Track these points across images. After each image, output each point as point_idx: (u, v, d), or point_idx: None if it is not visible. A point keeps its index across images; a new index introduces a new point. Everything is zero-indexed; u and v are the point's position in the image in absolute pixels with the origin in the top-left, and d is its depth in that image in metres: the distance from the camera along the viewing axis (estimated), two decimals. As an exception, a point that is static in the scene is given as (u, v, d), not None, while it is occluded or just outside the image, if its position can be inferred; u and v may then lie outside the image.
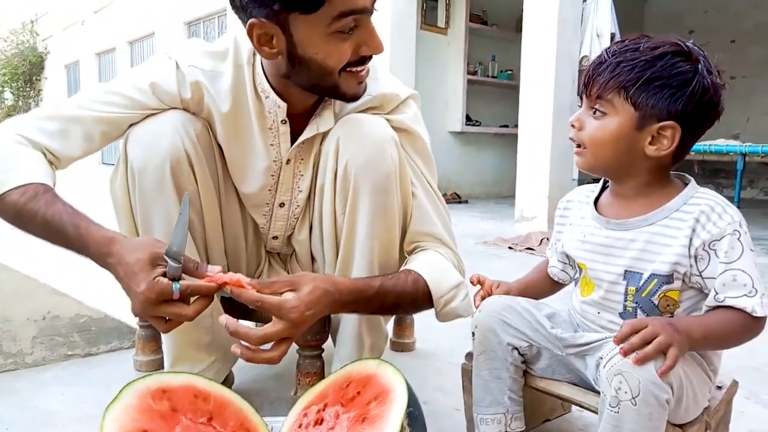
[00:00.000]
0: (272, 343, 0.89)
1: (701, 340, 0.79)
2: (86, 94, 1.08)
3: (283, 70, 1.01)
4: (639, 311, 0.88)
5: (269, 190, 1.16)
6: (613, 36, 4.37)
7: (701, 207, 0.84)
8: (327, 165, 1.09)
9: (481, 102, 6.57)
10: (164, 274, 0.84)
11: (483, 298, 1.03)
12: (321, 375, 1.15)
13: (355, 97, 1.05)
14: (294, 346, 1.07)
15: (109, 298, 1.36)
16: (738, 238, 0.81)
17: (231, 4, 0.97)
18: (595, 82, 0.87)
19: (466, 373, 1.04)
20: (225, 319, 0.86)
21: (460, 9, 6.03)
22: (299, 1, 0.89)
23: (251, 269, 1.27)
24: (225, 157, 1.14)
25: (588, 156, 0.91)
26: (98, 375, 1.41)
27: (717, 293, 0.81)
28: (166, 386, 0.83)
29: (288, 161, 1.13)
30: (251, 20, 0.93)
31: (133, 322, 1.51)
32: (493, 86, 6.63)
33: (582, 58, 4.20)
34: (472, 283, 1.08)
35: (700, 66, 0.83)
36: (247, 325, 0.91)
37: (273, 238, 1.24)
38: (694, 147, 0.93)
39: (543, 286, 1.10)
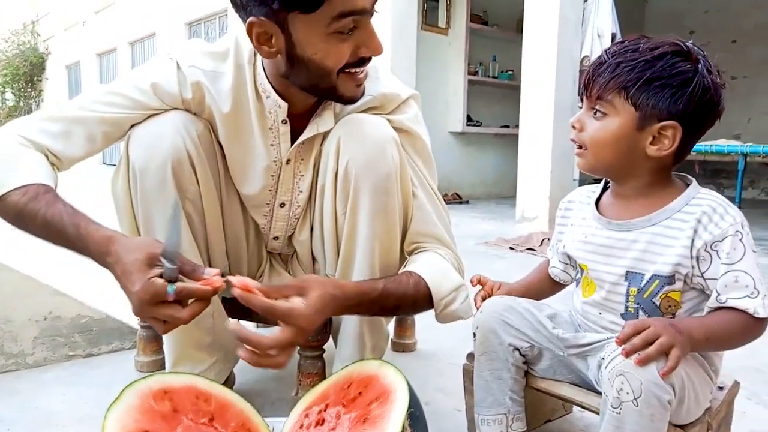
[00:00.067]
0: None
1: (703, 341, 0.79)
2: (88, 95, 1.08)
3: (283, 70, 1.01)
4: (641, 312, 0.88)
5: (269, 190, 1.16)
6: (614, 36, 4.36)
7: (703, 208, 0.84)
8: (328, 165, 1.09)
9: (482, 102, 6.57)
10: (161, 276, 0.83)
11: (484, 299, 1.03)
12: (322, 375, 1.15)
13: (352, 100, 1.05)
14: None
15: (110, 298, 1.36)
16: (740, 239, 0.81)
17: (231, 3, 0.97)
18: (595, 82, 0.87)
19: (468, 374, 1.04)
20: (234, 325, 0.85)
21: (460, 9, 6.03)
22: (298, 1, 0.89)
23: (252, 270, 1.27)
24: (226, 158, 1.14)
25: (589, 157, 0.91)
26: (99, 375, 1.41)
27: (719, 294, 0.81)
28: (167, 387, 0.83)
29: (288, 161, 1.13)
30: (250, 19, 0.94)
31: (135, 322, 1.52)
32: (494, 86, 6.63)
33: (583, 58, 4.20)
34: (472, 283, 1.08)
35: (700, 66, 0.83)
36: (246, 325, 0.90)
37: (274, 238, 1.25)
38: (695, 147, 0.93)
39: (544, 287, 1.10)
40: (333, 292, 0.92)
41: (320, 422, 0.85)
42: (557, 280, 1.07)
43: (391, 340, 1.60)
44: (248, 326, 1.57)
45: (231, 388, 1.19)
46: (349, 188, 1.05)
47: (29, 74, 16.08)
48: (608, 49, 0.90)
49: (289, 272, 1.30)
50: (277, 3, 0.90)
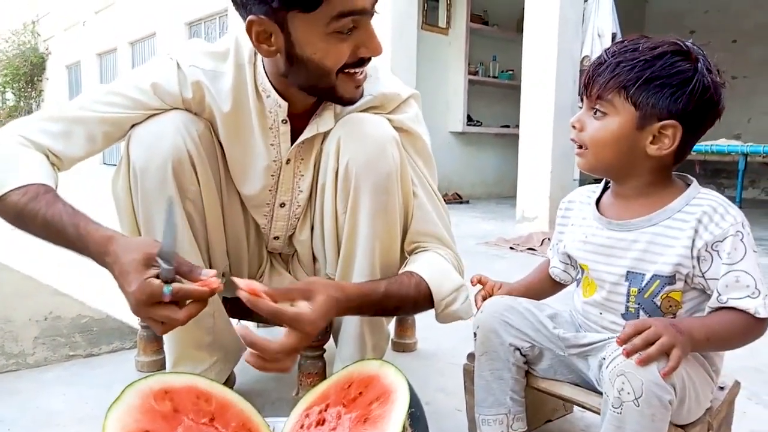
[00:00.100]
0: None
1: (704, 342, 0.79)
2: (88, 95, 1.08)
3: (282, 69, 1.01)
4: (641, 312, 0.88)
5: (270, 190, 1.16)
6: (614, 36, 4.36)
7: (703, 208, 0.84)
8: (328, 164, 1.09)
9: (482, 102, 6.57)
10: (158, 276, 0.82)
11: (484, 299, 1.03)
12: (323, 375, 1.15)
13: (351, 101, 1.05)
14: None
15: (110, 298, 1.36)
16: (741, 239, 0.81)
17: (232, 1, 0.97)
18: (595, 82, 0.87)
19: (468, 374, 1.04)
20: (242, 330, 0.84)
21: (461, 9, 6.03)
22: (298, 0, 0.89)
23: (253, 270, 1.27)
24: (226, 158, 1.14)
25: (589, 157, 0.90)
26: (100, 375, 1.41)
27: (720, 294, 0.81)
28: (168, 387, 0.83)
29: (288, 161, 1.13)
30: (250, 17, 0.93)
31: (135, 322, 1.52)
32: (494, 86, 6.63)
33: (583, 58, 4.20)
34: (472, 283, 1.08)
35: (699, 65, 0.83)
36: (247, 325, 0.90)
37: (274, 238, 1.24)
38: (696, 147, 0.93)
39: (544, 287, 1.10)
40: (336, 295, 0.92)
41: (321, 422, 0.85)
42: (558, 280, 1.07)
43: (392, 340, 1.60)
44: (249, 326, 1.57)
45: (231, 388, 1.19)
46: (349, 187, 1.05)
47: (29, 74, 16.09)
48: (608, 48, 0.90)
49: (289, 272, 1.30)
50: (277, 2, 0.90)
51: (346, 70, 0.99)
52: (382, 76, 1.15)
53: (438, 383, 1.38)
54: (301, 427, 0.85)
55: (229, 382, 1.25)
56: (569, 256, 1.01)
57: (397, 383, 0.83)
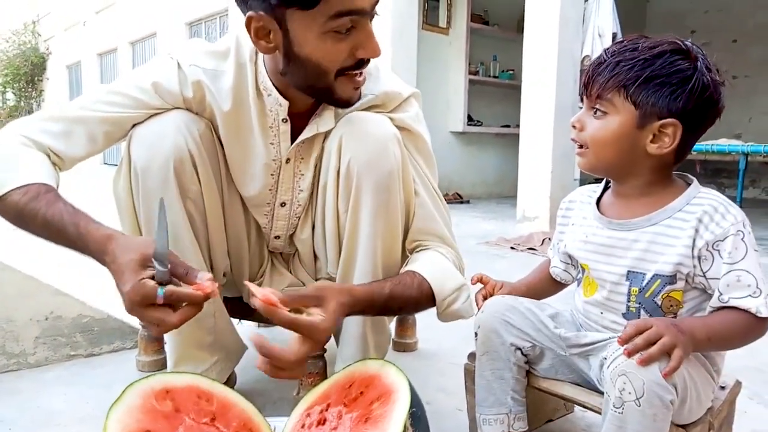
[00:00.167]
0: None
1: (705, 341, 0.79)
2: (89, 95, 1.08)
3: (281, 67, 1.01)
4: (642, 312, 0.88)
5: (270, 189, 1.16)
6: (615, 36, 4.36)
7: (704, 207, 0.84)
8: (330, 163, 1.09)
9: (483, 102, 6.57)
10: (154, 277, 0.81)
11: (485, 298, 1.03)
12: (324, 375, 1.15)
13: (348, 103, 1.05)
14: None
15: (111, 298, 1.36)
16: (741, 239, 0.81)
17: None
18: (594, 82, 0.87)
19: (469, 374, 1.04)
20: (257, 338, 0.83)
21: (461, 9, 6.03)
22: None
23: (254, 269, 1.27)
24: (227, 157, 1.14)
25: (590, 156, 0.91)
26: (101, 375, 1.41)
27: (721, 294, 0.81)
28: (169, 386, 0.83)
29: (288, 160, 1.13)
30: (249, 13, 0.94)
31: (136, 322, 1.52)
32: (495, 86, 6.63)
33: (584, 57, 4.20)
34: (472, 282, 1.08)
35: (699, 64, 0.83)
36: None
37: (275, 237, 1.24)
38: (696, 147, 0.93)
39: (545, 287, 1.10)
40: (344, 300, 0.92)
41: (322, 422, 0.85)
42: (558, 279, 1.07)
43: (392, 339, 1.60)
44: (250, 326, 1.57)
45: (232, 387, 1.19)
46: (351, 186, 1.05)
47: (30, 74, 16.09)
48: (607, 48, 0.90)
49: (290, 271, 1.30)
50: None
51: (346, 73, 0.99)
52: (383, 75, 1.15)
53: (439, 383, 1.38)
54: (302, 426, 0.85)
55: (230, 381, 1.25)
56: (570, 256, 1.01)
57: (398, 383, 0.83)
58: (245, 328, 1.48)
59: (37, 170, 0.97)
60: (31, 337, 1.60)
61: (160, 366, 1.41)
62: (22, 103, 16.64)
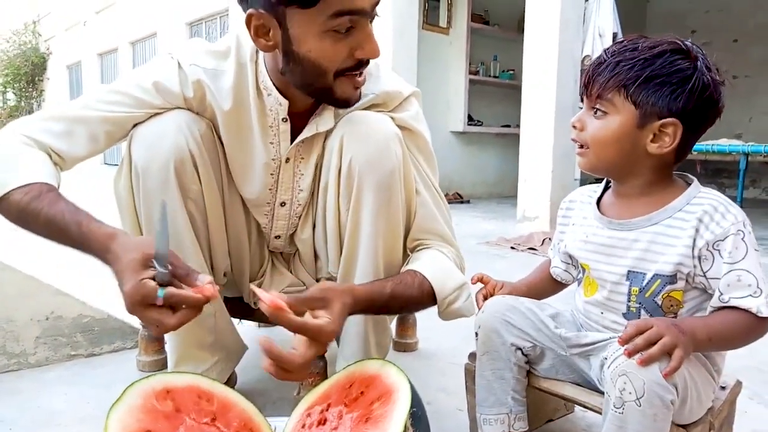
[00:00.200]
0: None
1: (706, 341, 0.79)
2: (90, 94, 1.08)
3: (280, 66, 1.01)
4: (642, 312, 0.88)
5: (270, 189, 1.16)
6: (615, 36, 4.36)
7: (704, 207, 0.84)
8: (331, 162, 1.09)
9: (483, 102, 6.57)
10: (155, 278, 0.81)
11: (485, 298, 1.03)
12: (324, 375, 1.15)
13: (347, 103, 1.05)
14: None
15: (111, 298, 1.36)
16: (742, 238, 0.81)
17: None
18: (595, 82, 0.88)
19: (469, 374, 1.04)
20: (265, 342, 0.83)
21: (461, 9, 6.03)
22: None
23: (254, 269, 1.27)
24: (227, 157, 1.14)
25: (591, 156, 0.91)
26: (101, 375, 1.41)
27: (721, 294, 0.81)
28: (169, 386, 0.83)
29: (287, 160, 1.13)
30: (250, 10, 0.94)
31: (136, 322, 1.52)
32: (495, 86, 6.63)
33: (584, 57, 4.20)
34: (473, 281, 1.08)
35: (699, 63, 0.83)
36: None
37: (276, 237, 1.25)
38: (696, 147, 0.94)
39: (545, 287, 1.10)
40: (347, 301, 0.92)
41: (322, 422, 0.85)
42: (559, 279, 1.07)
43: (393, 339, 1.60)
44: (250, 326, 1.57)
45: (233, 387, 1.19)
46: (352, 185, 1.05)
47: (30, 74, 16.10)
48: (608, 48, 0.90)
49: (291, 271, 1.30)
50: None
51: (346, 73, 0.99)
52: (383, 74, 1.15)
53: (439, 383, 1.38)
54: (303, 426, 0.85)
55: (231, 381, 1.26)
56: (570, 256, 1.01)
57: (398, 383, 0.83)
58: (245, 328, 1.48)
59: (38, 170, 0.97)
60: (32, 337, 1.60)
61: (161, 366, 1.41)
62: (23, 103, 16.66)
